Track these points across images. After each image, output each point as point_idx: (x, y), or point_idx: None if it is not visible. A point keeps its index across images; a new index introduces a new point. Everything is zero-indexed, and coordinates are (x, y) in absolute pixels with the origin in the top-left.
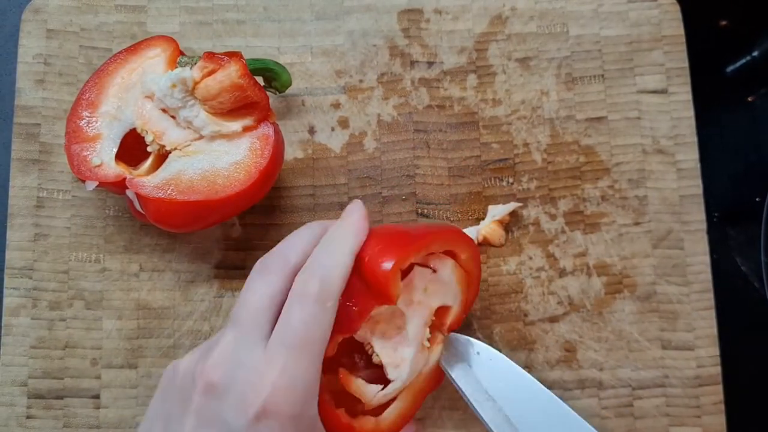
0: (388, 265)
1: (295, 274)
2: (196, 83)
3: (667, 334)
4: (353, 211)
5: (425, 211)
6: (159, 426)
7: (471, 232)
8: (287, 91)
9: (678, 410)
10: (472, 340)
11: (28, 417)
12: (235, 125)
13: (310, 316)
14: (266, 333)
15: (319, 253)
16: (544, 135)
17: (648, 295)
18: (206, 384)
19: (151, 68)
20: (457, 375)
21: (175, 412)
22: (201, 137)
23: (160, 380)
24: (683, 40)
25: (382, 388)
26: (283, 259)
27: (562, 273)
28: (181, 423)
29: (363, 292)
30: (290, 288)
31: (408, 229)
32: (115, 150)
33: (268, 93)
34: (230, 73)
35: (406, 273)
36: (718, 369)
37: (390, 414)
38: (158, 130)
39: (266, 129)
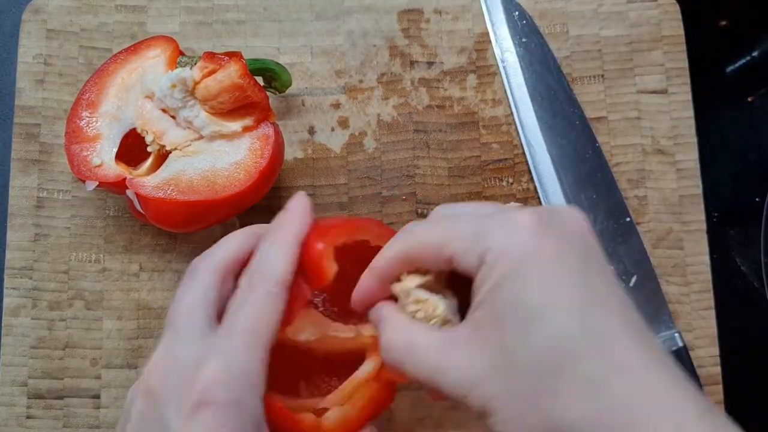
0: (320, 245)
1: (227, 272)
2: (196, 83)
3: None
4: (296, 202)
5: (425, 211)
6: None
7: None
8: (287, 91)
9: None
10: None
11: (28, 417)
12: (235, 125)
13: (253, 304)
14: (202, 330)
15: (263, 245)
16: None
17: None
18: (145, 390)
19: (152, 68)
20: None
21: (122, 426)
22: (201, 137)
23: None
24: (683, 40)
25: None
26: (210, 257)
27: None
28: None
29: (297, 282)
30: (224, 284)
31: (342, 220)
32: (115, 150)
33: (268, 93)
34: (230, 73)
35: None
36: (718, 369)
37: (333, 414)
38: (158, 130)
39: (266, 129)
